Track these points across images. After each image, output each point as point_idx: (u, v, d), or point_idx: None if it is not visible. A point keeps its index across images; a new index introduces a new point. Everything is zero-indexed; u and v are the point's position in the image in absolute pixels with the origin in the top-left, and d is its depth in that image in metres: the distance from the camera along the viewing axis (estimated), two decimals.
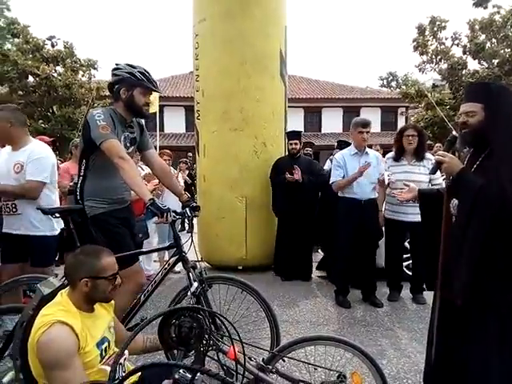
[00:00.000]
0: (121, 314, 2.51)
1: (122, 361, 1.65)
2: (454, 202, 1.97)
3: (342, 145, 5.27)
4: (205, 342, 1.47)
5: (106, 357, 1.64)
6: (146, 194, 2.36)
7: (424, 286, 4.20)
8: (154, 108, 10.39)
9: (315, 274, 5.23)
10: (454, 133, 2.10)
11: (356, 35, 79.34)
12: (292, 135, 5.16)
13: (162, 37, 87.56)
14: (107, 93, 2.83)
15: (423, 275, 4.16)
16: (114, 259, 1.71)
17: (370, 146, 4.87)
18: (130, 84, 2.51)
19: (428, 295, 3.90)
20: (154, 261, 5.39)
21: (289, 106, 6.08)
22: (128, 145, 2.63)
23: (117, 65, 2.56)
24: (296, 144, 5.04)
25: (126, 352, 1.69)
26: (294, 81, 23.76)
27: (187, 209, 2.58)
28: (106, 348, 1.65)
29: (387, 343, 3.23)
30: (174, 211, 2.43)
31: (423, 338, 2.20)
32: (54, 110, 16.67)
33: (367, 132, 4.06)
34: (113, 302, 1.83)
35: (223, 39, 5.16)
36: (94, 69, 17.44)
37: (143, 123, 2.83)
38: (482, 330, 1.80)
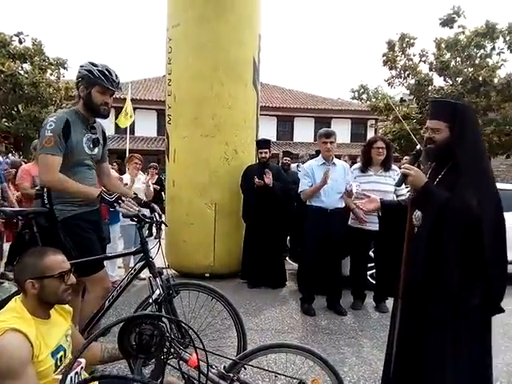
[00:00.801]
0: (85, 321, 2.46)
1: (78, 370, 1.59)
2: (417, 213, 2.05)
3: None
4: (166, 350, 1.45)
5: (61, 366, 1.58)
6: (92, 192, 2.39)
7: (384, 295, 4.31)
8: (130, 120, 10.41)
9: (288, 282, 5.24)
10: (418, 147, 2.17)
11: (330, 47, 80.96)
12: (262, 144, 5.21)
13: (136, 39, 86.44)
14: (76, 93, 2.78)
15: (381, 281, 4.28)
16: (61, 257, 1.63)
17: (339, 157, 4.98)
18: (89, 82, 2.47)
19: (391, 304, 4.00)
20: (119, 267, 5.26)
21: (262, 114, 6.13)
22: (91, 146, 2.57)
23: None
24: (266, 153, 5.09)
25: (83, 361, 1.63)
26: (268, 89, 24.00)
27: (156, 213, 2.57)
28: (61, 357, 1.59)
29: (349, 351, 3.28)
30: (143, 215, 2.44)
31: (385, 346, 2.25)
32: (20, 108, 16.08)
33: (331, 142, 4.14)
34: (70, 308, 1.78)
35: (196, 45, 5.15)
36: (64, 68, 16.97)
37: (105, 132, 2.79)
38: (438, 332, 1.87)
